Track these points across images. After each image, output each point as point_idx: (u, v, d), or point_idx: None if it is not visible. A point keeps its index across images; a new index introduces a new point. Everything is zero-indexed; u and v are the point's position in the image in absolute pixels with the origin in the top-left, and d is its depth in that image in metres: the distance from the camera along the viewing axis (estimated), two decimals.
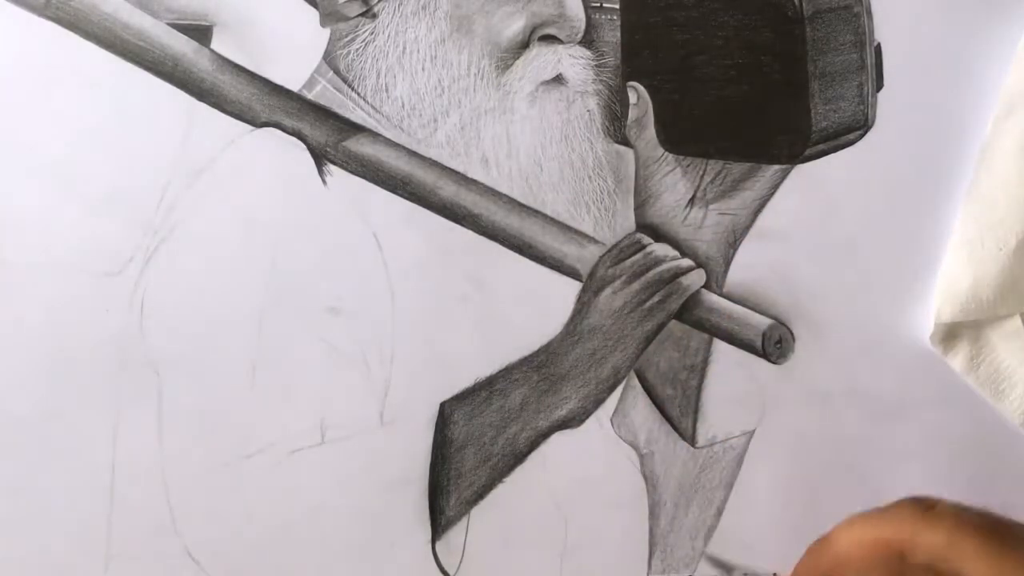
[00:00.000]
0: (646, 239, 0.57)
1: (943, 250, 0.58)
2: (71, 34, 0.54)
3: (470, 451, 0.56)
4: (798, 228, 0.57)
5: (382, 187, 0.56)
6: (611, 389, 0.57)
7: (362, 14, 0.56)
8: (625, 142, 0.58)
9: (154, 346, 0.54)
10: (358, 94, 0.56)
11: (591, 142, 0.57)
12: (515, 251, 0.56)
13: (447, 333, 0.56)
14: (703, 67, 0.57)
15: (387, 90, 0.56)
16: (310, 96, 0.56)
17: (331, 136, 0.56)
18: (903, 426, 0.58)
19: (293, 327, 0.55)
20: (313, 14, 0.56)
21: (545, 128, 0.57)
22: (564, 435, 0.57)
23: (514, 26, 0.57)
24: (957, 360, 0.58)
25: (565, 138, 0.57)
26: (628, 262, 0.57)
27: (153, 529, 0.54)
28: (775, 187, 0.58)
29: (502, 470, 0.56)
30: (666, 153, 0.58)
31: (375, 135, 0.56)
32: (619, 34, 0.57)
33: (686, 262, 0.57)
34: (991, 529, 0.43)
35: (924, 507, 0.45)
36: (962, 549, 0.44)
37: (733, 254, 0.58)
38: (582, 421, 0.57)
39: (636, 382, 0.57)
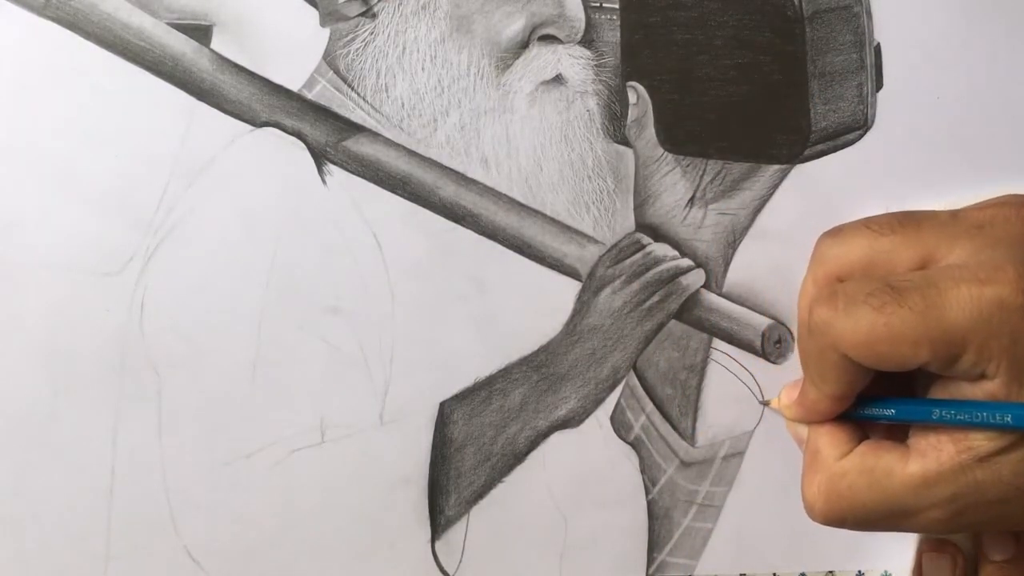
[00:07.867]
0: (646, 239, 0.57)
1: None
2: (71, 34, 0.54)
3: (470, 451, 0.56)
4: (798, 228, 0.57)
5: (382, 187, 0.56)
6: (611, 389, 0.57)
7: (362, 14, 0.56)
8: (625, 142, 0.58)
9: (154, 346, 0.54)
10: (358, 94, 0.56)
11: (591, 142, 0.57)
12: (515, 251, 0.56)
13: (447, 333, 0.56)
14: (703, 67, 0.57)
15: (387, 90, 0.56)
16: (310, 96, 0.56)
17: (331, 136, 0.56)
18: None
19: (293, 327, 0.55)
20: (313, 14, 0.56)
21: (545, 128, 0.57)
22: (564, 435, 0.57)
23: (514, 26, 0.57)
24: None
25: (565, 138, 0.57)
26: (628, 262, 0.57)
27: (153, 529, 0.54)
28: (775, 187, 0.58)
29: (502, 470, 0.56)
30: (666, 153, 0.58)
31: (375, 135, 0.56)
32: (619, 34, 0.57)
33: (686, 262, 0.57)
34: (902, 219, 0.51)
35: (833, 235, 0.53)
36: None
37: (733, 254, 0.58)
38: (581, 421, 0.57)
39: (636, 382, 0.57)
